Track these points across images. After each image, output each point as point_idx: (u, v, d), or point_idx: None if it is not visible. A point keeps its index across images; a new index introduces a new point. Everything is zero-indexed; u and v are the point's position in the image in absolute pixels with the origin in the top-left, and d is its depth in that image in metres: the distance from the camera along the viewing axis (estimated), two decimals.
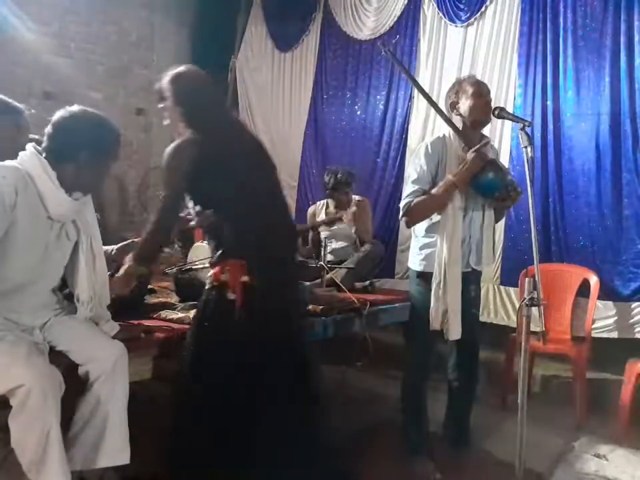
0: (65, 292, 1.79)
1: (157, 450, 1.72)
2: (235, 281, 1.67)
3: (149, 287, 2.38)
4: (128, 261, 1.77)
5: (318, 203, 3.62)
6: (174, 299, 2.36)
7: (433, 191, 2.09)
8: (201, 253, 2.45)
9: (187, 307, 2.14)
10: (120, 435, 1.62)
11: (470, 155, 2.06)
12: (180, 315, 2.05)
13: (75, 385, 1.60)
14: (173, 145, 1.73)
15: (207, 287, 1.74)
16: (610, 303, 3.04)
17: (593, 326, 3.00)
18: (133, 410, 1.66)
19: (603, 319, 3.04)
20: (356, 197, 3.43)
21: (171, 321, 2.01)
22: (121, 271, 1.78)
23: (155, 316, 2.05)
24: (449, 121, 2.18)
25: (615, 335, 3.00)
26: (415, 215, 2.14)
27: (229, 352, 1.66)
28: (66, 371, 1.59)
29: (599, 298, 3.01)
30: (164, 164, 1.74)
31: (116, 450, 1.61)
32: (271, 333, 1.70)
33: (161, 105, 1.82)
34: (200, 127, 1.74)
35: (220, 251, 1.73)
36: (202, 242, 2.62)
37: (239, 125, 1.96)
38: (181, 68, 1.81)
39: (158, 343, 1.83)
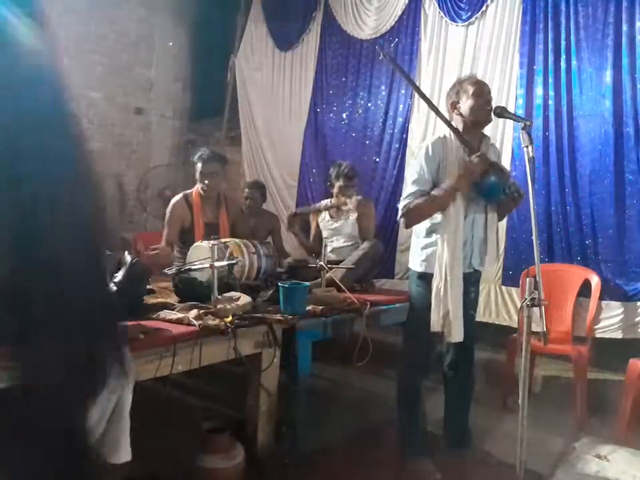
0: None
1: (156, 450, 1.72)
2: None
3: (148, 287, 2.36)
4: None
5: (321, 202, 3.61)
6: (173, 299, 2.34)
7: (434, 192, 2.08)
8: (201, 253, 2.44)
9: (186, 307, 2.13)
10: (123, 437, 1.62)
11: (474, 159, 2.05)
12: (179, 315, 2.03)
13: None
14: None
15: None
16: (614, 303, 3.03)
17: (598, 326, 2.99)
18: (132, 410, 1.66)
19: (607, 318, 3.03)
20: (359, 197, 3.42)
21: (170, 321, 1.99)
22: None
23: (154, 317, 2.03)
24: (448, 124, 2.17)
25: (619, 334, 2.98)
26: (413, 216, 2.13)
27: None
28: None
29: (602, 298, 3.00)
30: None
31: (118, 450, 1.61)
32: None
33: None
34: None
35: None
36: (201, 242, 2.61)
37: None
38: None
39: (157, 344, 1.81)
